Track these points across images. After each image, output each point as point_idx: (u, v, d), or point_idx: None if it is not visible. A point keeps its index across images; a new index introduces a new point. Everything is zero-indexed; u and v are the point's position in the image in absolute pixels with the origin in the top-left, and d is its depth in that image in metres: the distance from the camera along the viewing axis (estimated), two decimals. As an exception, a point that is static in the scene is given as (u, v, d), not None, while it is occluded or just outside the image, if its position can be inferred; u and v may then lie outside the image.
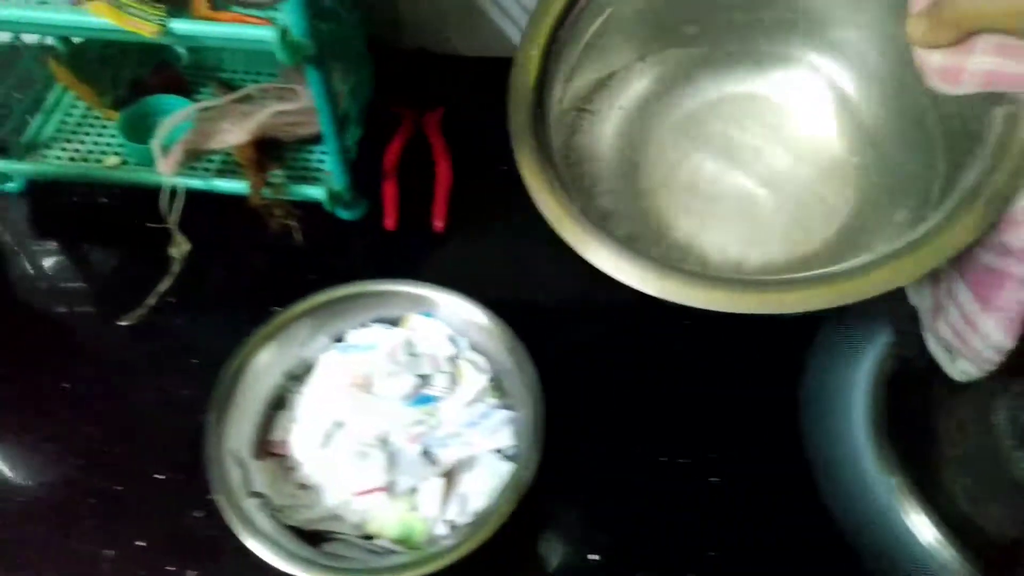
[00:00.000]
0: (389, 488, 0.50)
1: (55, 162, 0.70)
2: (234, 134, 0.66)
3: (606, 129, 0.47)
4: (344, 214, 0.69)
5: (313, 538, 0.50)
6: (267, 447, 0.53)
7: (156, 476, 0.56)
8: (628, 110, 0.48)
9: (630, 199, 0.47)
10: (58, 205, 0.71)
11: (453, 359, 0.54)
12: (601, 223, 0.42)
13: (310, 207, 0.67)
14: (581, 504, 0.54)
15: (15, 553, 0.52)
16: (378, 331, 0.56)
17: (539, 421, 0.50)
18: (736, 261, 0.45)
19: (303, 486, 0.51)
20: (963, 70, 0.33)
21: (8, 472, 0.56)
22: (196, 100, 0.73)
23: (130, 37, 0.52)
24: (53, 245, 0.69)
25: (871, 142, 0.44)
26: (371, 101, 0.75)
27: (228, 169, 0.69)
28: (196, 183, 0.66)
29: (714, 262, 0.45)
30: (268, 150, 0.69)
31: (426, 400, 0.53)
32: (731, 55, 0.46)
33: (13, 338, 0.63)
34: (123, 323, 0.62)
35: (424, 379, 0.54)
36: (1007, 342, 0.34)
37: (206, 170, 0.69)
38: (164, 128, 0.64)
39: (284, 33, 0.51)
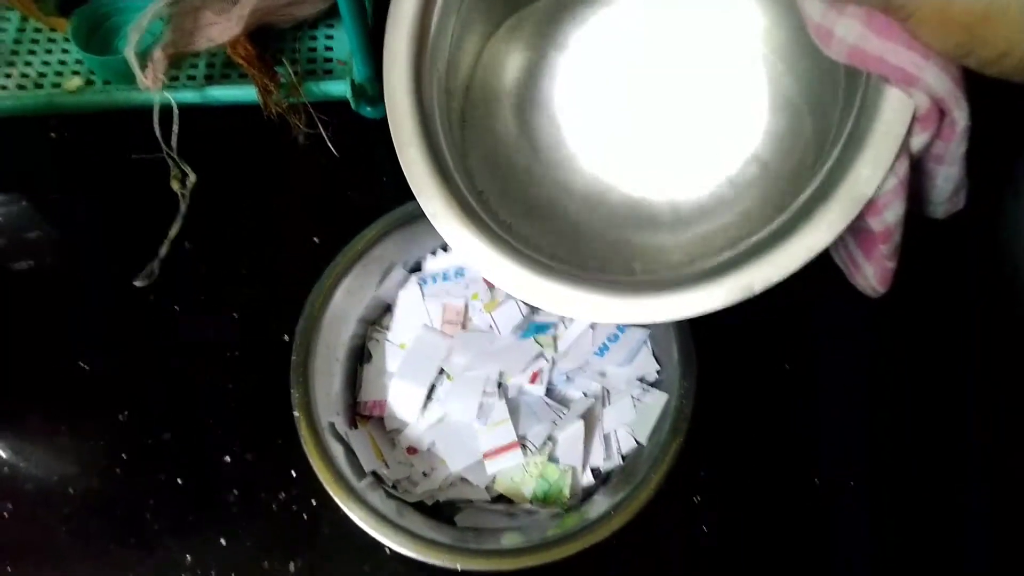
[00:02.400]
0: (522, 442, 0.41)
1: (3, 94, 0.56)
2: (223, 26, 0.53)
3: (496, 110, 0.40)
4: (369, 112, 0.57)
5: (437, 510, 0.42)
6: (358, 410, 0.44)
7: (224, 459, 0.47)
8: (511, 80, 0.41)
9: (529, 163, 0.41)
10: (14, 145, 0.57)
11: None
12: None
13: (327, 108, 0.55)
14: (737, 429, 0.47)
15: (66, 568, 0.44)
16: (459, 253, 0.46)
17: (687, 337, 0.41)
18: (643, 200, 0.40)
19: (412, 451, 0.43)
20: (832, 34, 0.29)
21: (40, 475, 0.47)
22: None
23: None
24: (24, 198, 0.56)
25: (785, 63, 0.38)
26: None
27: (222, 75, 0.56)
28: (189, 96, 0.53)
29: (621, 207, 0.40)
30: (265, 42, 0.55)
31: (540, 328, 0.44)
32: None
33: (7, 321, 0.52)
34: (138, 283, 0.51)
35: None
36: (881, 290, 0.34)
37: (191, 79, 0.56)
38: (136, 31, 0.50)
39: None
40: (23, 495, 0.46)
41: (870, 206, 0.31)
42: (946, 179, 0.33)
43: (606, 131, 0.40)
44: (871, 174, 0.30)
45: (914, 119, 0.30)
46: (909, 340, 0.49)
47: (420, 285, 0.45)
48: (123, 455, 0.47)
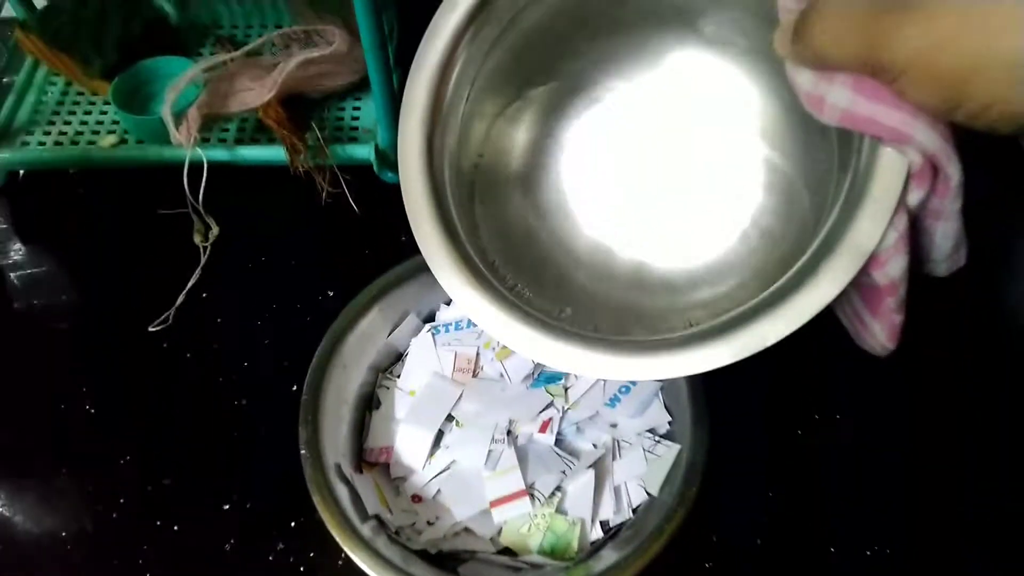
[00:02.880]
0: (530, 491, 0.40)
1: (40, 149, 0.58)
2: (256, 92, 0.55)
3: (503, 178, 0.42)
4: (391, 177, 0.59)
5: (441, 560, 0.40)
6: (365, 456, 0.44)
7: (223, 507, 0.46)
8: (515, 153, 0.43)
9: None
10: (43, 200, 0.60)
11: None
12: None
13: (350, 170, 0.57)
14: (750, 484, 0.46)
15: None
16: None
17: (698, 388, 0.41)
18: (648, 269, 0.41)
19: (417, 499, 0.42)
20: (824, 101, 0.31)
21: (34, 517, 0.46)
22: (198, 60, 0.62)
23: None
24: (49, 247, 0.58)
25: (776, 137, 0.40)
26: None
27: (252, 138, 0.59)
28: (219, 154, 0.55)
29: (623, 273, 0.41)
30: (295, 109, 0.58)
31: (552, 378, 0.44)
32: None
33: (20, 361, 0.52)
34: (153, 329, 0.51)
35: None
36: (890, 346, 0.34)
37: (221, 140, 0.58)
38: (172, 91, 0.53)
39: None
40: (16, 537, 0.45)
41: (873, 260, 0.32)
42: (944, 236, 0.34)
43: (611, 202, 0.42)
44: (872, 227, 0.31)
45: (909, 176, 0.31)
46: (926, 396, 0.49)
47: (432, 334, 0.46)
48: (121, 500, 0.46)
